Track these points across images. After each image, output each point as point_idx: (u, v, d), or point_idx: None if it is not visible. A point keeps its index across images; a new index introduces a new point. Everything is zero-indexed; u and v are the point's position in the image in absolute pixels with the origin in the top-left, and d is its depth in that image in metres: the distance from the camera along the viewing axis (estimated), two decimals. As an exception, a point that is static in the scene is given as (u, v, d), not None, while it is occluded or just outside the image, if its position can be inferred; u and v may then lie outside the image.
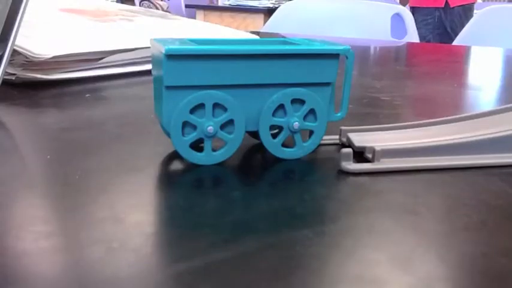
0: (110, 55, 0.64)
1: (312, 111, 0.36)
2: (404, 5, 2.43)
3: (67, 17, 0.73)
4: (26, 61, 0.57)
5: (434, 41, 2.50)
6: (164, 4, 4.63)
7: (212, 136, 0.34)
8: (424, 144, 0.36)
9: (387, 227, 0.26)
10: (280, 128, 0.35)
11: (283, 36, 1.17)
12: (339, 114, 0.38)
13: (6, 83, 0.55)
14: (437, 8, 2.53)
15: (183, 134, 0.33)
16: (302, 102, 0.35)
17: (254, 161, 0.36)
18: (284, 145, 0.36)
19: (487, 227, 0.27)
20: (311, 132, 0.36)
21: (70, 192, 0.29)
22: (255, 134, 0.38)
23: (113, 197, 0.28)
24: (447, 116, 0.41)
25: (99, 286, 0.21)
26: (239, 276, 0.22)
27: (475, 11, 2.51)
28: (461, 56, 1.09)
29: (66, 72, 0.60)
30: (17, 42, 0.52)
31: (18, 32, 0.45)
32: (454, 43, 1.45)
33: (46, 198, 0.28)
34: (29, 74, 0.57)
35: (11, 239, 0.24)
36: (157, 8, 4.01)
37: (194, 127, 0.33)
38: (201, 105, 0.33)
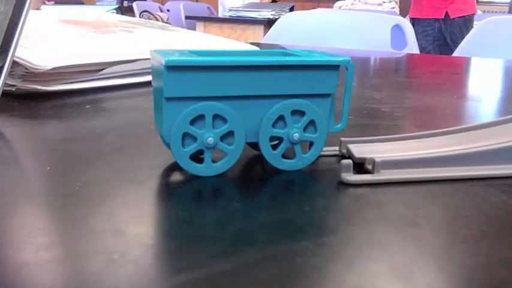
0: (110, 66, 0.65)
1: (312, 123, 0.36)
2: (404, 16, 2.44)
3: (67, 29, 0.73)
4: (26, 72, 0.57)
5: (434, 52, 2.50)
6: (164, 15, 4.64)
7: (212, 147, 0.34)
8: (424, 156, 0.36)
9: (387, 238, 0.26)
10: (280, 139, 0.35)
11: (283, 48, 1.18)
12: (339, 126, 0.38)
13: (6, 94, 0.55)
14: (437, 19, 2.54)
15: (183, 145, 0.33)
16: (302, 113, 0.35)
17: (254, 173, 0.36)
18: (284, 156, 0.36)
19: (487, 238, 0.27)
20: (311, 144, 0.36)
21: (70, 203, 0.29)
22: (255, 145, 0.38)
23: (113, 209, 0.28)
24: (447, 128, 0.41)
25: (99, 298, 0.20)
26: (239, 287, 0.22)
27: (475, 22, 2.52)
28: (462, 67, 1.09)
29: (66, 83, 0.60)
30: (17, 54, 0.52)
31: (18, 44, 0.45)
32: (454, 54, 1.45)
33: (46, 209, 0.28)
34: (29, 85, 0.57)
35: (11, 251, 0.24)
36: (157, 20, 4.02)
37: (194, 138, 0.33)
38: (201, 117, 0.33)
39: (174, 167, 0.36)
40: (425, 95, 0.68)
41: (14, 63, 0.56)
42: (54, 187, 0.32)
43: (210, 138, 0.33)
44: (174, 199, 0.31)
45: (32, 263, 0.23)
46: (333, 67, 0.35)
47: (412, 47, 1.43)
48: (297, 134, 0.35)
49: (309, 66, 0.35)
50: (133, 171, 0.34)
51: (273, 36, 1.58)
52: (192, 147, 0.33)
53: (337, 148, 0.40)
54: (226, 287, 0.22)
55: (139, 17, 4.19)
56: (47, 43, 0.64)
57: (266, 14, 3.52)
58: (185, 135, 0.33)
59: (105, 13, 1.02)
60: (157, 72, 0.33)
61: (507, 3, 5.82)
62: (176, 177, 0.34)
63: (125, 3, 5.50)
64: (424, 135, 0.40)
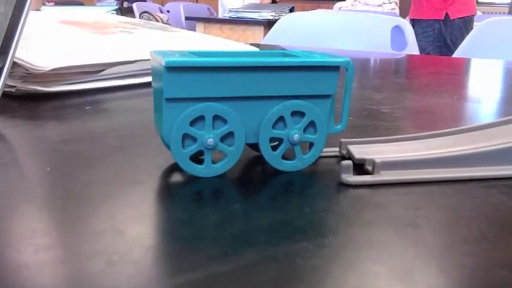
0: (110, 67, 0.65)
1: (312, 124, 0.36)
2: (404, 17, 2.44)
3: (67, 30, 0.73)
4: (26, 73, 0.57)
5: (434, 53, 2.51)
6: (164, 16, 4.64)
7: (212, 148, 0.34)
8: (424, 157, 0.36)
9: (387, 239, 0.26)
10: (280, 140, 0.35)
11: (283, 49, 1.18)
12: (338, 127, 0.38)
13: (6, 95, 0.55)
14: (437, 21, 2.54)
15: (183, 146, 0.33)
16: (302, 114, 0.35)
17: (254, 173, 0.36)
18: (284, 157, 0.36)
19: (487, 239, 0.27)
20: (311, 145, 0.36)
21: (70, 204, 0.29)
22: (255, 146, 0.38)
23: (113, 209, 0.28)
24: (447, 129, 0.41)
25: (99, 299, 0.20)
26: (239, 289, 0.22)
27: (475, 23, 2.52)
28: (461, 68, 1.09)
29: (66, 84, 0.60)
30: (17, 55, 0.52)
31: (18, 45, 0.45)
32: (454, 55, 1.45)
33: (46, 210, 0.28)
34: (29, 86, 0.57)
35: (11, 252, 0.24)
36: (157, 20, 4.02)
37: (194, 139, 0.33)
38: (201, 118, 0.33)
39: (174, 168, 0.36)
40: (425, 96, 0.68)
41: (14, 64, 0.56)
42: (54, 188, 0.32)
43: (210, 139, 0.33)
44: (174, 200, 0.31)
45: (32, 264, 0.23)
46: (333, 68, 0.35)
47: (412, 48, 1.43)
48: (297, 135, 0.35)
49: (309, 67, 0.35)
50: (133, 172, 0.34)
51: (273, 37, 1.58)
52: (192, 148, 0.33)
53: (337, 149, 0.40)
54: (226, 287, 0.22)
55: (139, 17, 4.19)
56: (47, 44, 0.64)
57: (266, 15, 3.52)
58: (185, 136, 0.33)
59: (105, 14, 1.02)
60: (157, 73, 0.33)
61: (507, 4, 5.82)
62: (176, 178, 0.34)
63: (125, 4, 5.50)
64: (424, 136, 0.40)
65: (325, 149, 0.38)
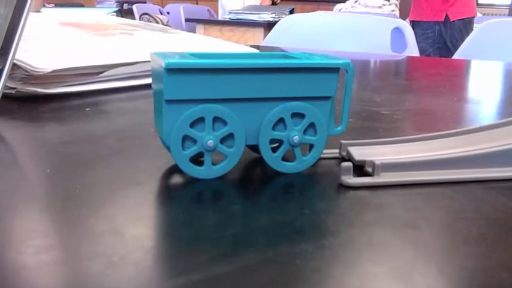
0: (110, 69, 0.65)
1: (312, 125, 0.36)
2: (404, 19, 2.44)
3: (67, 31, 0.73)
4: (26, 75, 0.57)
5: (434, 55, 2.50)
6: (164, 18, 4.64)
7: (212, 150, 0.34)
8: (424, 158, 0.36)
9: (387, 240, 0.26)
10: (280, 142, 0.35)
11: (283, 50, 1.18)
12: (339, 128, 0.38)
13: (6, 96, 0.55)
14: (437, 22, 2.53)
15: (183, 148, 0.33)
16: (302, 116, 0.35)
17: (254, 175, 0.36)
18: (284, 159, 0.36)
19: (486, 240, 0.27)
20: (311, 146, 0.36)
21: (70, 205, 0.29)
22: (255, 148, 0.38)
23: (113, 211, 0.28)
24: (447, 130, 0.41)
25: (99, 300, 0.20)
26: (239, 290, 0.22)
27: (475, 25, 2.52)
28: (461, 70, 1.09)
29: (66, 86, 0.60)
30: (17, 56, 0.52)
31: (18, 46, 0.45)
32: (454, 57, 1.45)
33: (46, 212, 0.28)
34: (29, 88, 0.57)
35: (11, 253, 0.24)
36: (157, 22, 4.02)
37: (194, 141, 0.33)
38: (201, 119, 0.33)
39: (174, 169, 0.36)
40: (425, 98, 0.68)
41: (14, 66, 0.56)
42: (54, 189, 0.32)
43: (210, 141, 0.33)
44: (174, 201, 0.31)
45: (32, 265, 0.23)
46: (333, 70, 0.35)
47: (412, 49, 1.43)
48: (297, 136, 0.35)
49: (309, 68, 0.35)
50: (133, 174, 0.34)
51: (273, 38, 1.58)
52: (192, 150, 0.33)
53: (337, 151, 0.40)
54: (226, 289, 0.22)
55: (139, 19, 4.19)
56: (47, 45, 0.64)
57: (266, 16, 3.52)
58: (185, 138, 0.33)
59: (105, 16, 1.03)
60: (158, 74, 0.33)
61: (507, 5, 5.83)
62: (176, 179, 0.34)
63: (125, 6, 5.50)
64: (424, 138, 0.40)
65: (325, 151, 0.38)
